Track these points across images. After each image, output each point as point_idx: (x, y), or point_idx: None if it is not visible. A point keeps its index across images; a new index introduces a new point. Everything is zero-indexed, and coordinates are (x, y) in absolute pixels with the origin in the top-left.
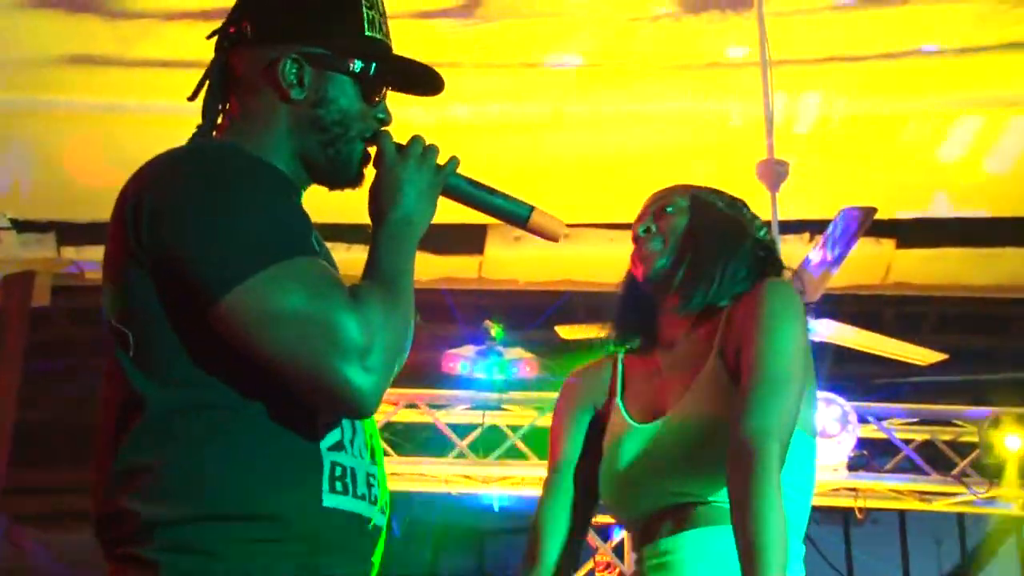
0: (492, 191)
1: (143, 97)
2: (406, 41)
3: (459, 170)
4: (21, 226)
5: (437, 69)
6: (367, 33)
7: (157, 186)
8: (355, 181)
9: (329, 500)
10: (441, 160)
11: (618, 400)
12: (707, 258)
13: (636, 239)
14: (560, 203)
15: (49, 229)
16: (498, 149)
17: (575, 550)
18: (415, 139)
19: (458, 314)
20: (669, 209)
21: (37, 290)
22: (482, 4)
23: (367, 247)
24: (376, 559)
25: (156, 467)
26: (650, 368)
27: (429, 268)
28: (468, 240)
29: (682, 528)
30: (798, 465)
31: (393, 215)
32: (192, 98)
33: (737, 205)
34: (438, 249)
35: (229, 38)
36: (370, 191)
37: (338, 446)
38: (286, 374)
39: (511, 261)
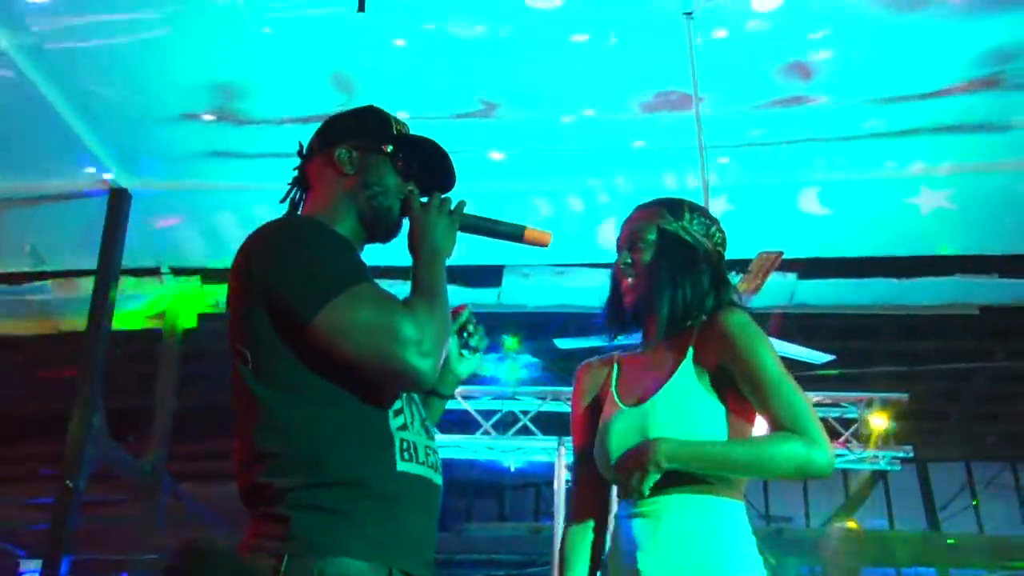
0: (494, 221)
1: (261, 180)
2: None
3: (468, 210)
4: (176, 271)
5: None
6: (395, 130)
7: (260, 246)
8: (395, 230)
9: (401, 467)
10: (454, 206)
11: (612, 389)
12: (662, 292)
13: (618, 269)
14: (558, 246)
15: (195, 273)
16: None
17: (606, 505)
18: (434, 195)
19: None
20: (640, 244)
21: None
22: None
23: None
24: (437, 509)
25: (278, 452)
26: (638, 364)
27: (458, 297)
28: (489, 276)
29: (661, 489)
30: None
31: (424, 250)
32: (283, 201)
33: (702, 228)
34: (465, 283)
35: (307, 155)
36: (408, 236)
37: (403, 427)
38: (366, 367)
39: (522, 291)
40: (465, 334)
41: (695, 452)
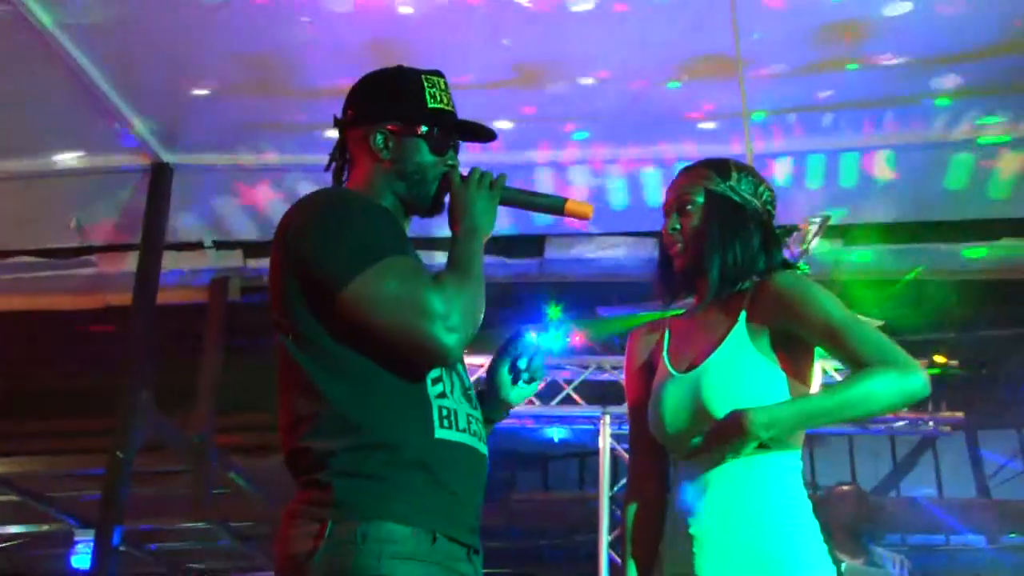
0: (535, 194)
1: (303, 152)
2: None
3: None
4: (219, 245)
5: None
6: (430, 106)
7: (298, 218)
8: (437, 208)
9: (440, 433)
10: (494, 179)
11: (664, 354)
12: (712, 254)
13: (666, 234)
14: (598, 217)
15: (238, 247)
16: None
17: (665, 471)
18: (473, 169)
19: (526, 300)
20: (689, 207)
21: (231, 290)
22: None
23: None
24: (482, 477)
25: (317, 417)
26: (689, 328)
27: (502, 267)
28: (531, 247)
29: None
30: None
31: (462, 225)
32: (327, 169)
33: (750, 187)
34: (509, 254)
35: (344, 121)
36: (448, 210)
37: (442, 395)
38: (392, 339)
39: (564, 262)
40: (524, 363)
41: (789, 414)
